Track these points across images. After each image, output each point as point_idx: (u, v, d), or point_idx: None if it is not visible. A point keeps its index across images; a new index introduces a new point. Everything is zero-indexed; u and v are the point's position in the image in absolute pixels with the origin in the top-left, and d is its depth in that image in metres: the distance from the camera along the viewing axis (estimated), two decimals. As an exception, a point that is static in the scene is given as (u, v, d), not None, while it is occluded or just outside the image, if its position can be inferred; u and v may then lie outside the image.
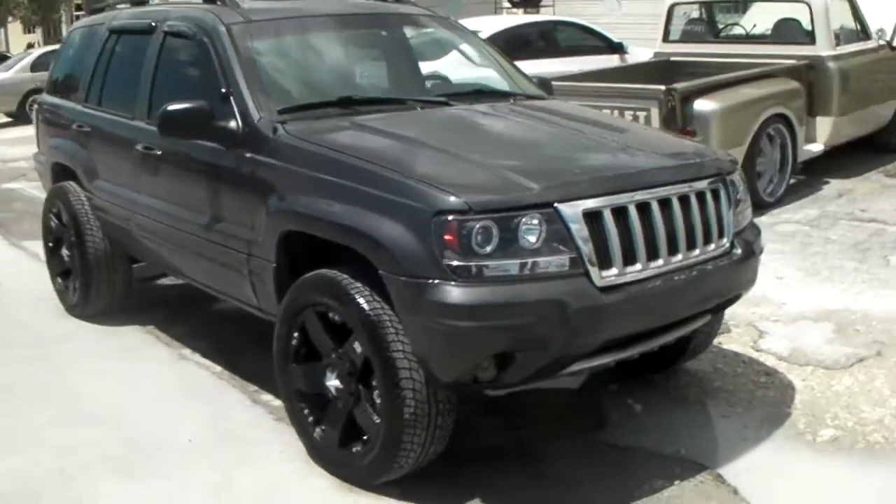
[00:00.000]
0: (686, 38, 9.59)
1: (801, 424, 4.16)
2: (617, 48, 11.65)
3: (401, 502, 3.54)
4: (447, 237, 3.13)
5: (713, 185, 3.79)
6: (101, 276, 5.72)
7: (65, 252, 6.00)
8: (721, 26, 9.82)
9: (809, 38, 8.47)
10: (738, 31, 9.59)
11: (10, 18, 39.29)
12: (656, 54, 9.73)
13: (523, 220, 3.18)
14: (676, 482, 3.66)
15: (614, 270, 3.34)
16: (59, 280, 6.14)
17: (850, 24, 8.90)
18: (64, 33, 48.28)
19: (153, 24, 5.08)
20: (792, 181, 8.22)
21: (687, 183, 3.67)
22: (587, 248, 3.26)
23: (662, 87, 7.14)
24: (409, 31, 5.16)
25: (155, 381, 4.90)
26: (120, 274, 5.78)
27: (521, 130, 4.22)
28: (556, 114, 4.50)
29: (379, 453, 3.45)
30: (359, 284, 3.40)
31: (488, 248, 3.15)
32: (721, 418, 4.33)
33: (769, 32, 9.00)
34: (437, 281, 3.15)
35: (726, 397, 4.50)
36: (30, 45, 40.97)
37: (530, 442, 4.13)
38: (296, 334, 3.74)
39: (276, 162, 3.83)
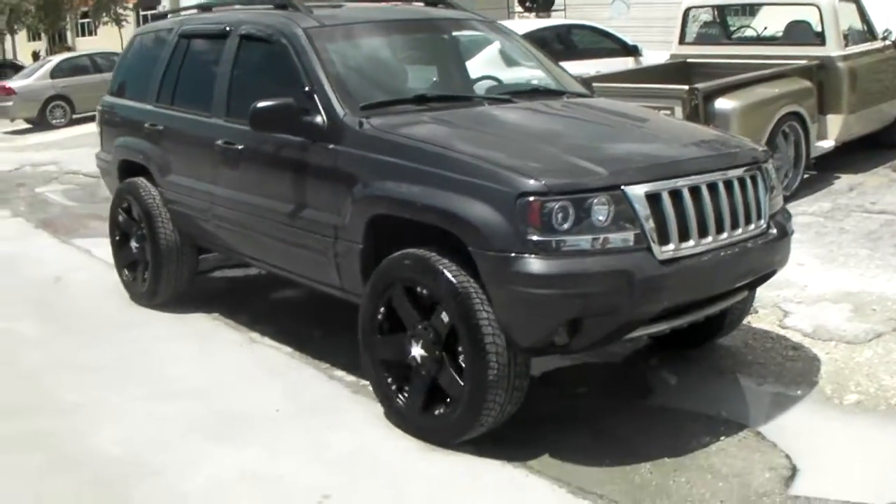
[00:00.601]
0: (701, 40, 10.02)
1: (829, 390, 4.60)
2: (632, 51, 12.07)
3: (478, 458, 3.95)
4: (530, 216, 3.57)
5: (751, 172, 4.24)
6: (171, 266, 6.12)
7: (133, 245, 6.40)
8: (733, 28, 10.26)
9: (820, 39, 8.91)
10: (750, 33, 10.03)
11: (16, 27, 39.65)
12: (673, 56, 10.16)
13: (595, 200, 3.63)
14: (722, 437, 4.10)
15: (672, 246, 3.79)
16: (126, 272, 6.55)
17: (858, 25, 9.35)
18: (69, 41, 48.65)
19: (227, 28, 5.50)
20: (805, 176, 8.66)
21: (730, 170, 4.12)
22: (649, 226, 3.71)
23: (686, 87, 7.58)
24: (463, 34, 5.59)
25: (232, 361, 5.32)
26: (187, 264, 6.20)
27: (580, 124, 4.67)
28: (606, 110, 4.96)
29: (462, 413, 3.88)
30: (446, 261, 3.84)
31: (565, 226, 3.60)
32: (755, 386, 4.79)
33: (781, 34, 9.44)
34: (520, 254, 3.59)
35: (758, 369, 4.95)
36: (35, 54, 41.42)
37: (584, 409, 4.58)
38: (382, 309, 4.17)
39: (363, 153, 4.26)
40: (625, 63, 11.53)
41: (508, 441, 4.06)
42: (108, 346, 5.61)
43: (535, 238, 3.59)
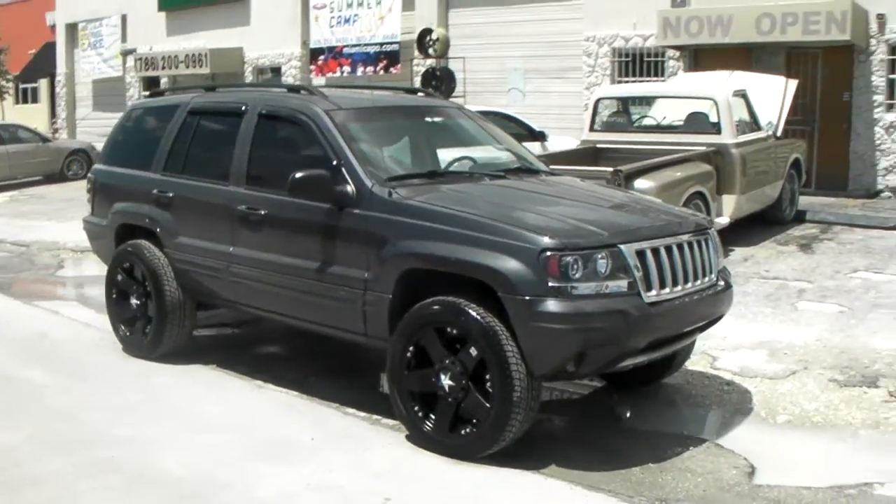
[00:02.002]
0: (609, 128, 11.31)
1: (763, 413, 5.68)
2: (538, 136, 13.23)
3: (500, 468, 4.76)
4: (550, 267, 4.52)
5: (703, 235, 5.31)
6: (175, 320, 6.73)
7: (133, 302, 6.95)
8: (636, 118, 11.61)
9: (716, 128, 10.30)
10: (651, 122, 11.38)
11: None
12: (583, 141, 11.40)
13: (599, 255, 4.61)
14: (690, 448, 5.11)
15: (655, 291, 4.80)
16: (123, 327, 7.07)
17: (746, 117, 10.81)
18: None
19: (243, 107, 6.27)
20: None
21: (688, 234, 5.18)
22: (638, 275, 4.71)
23: (611, 169, 8.73)
24: (449, 119, 6.55)
25: (250, 403, 5.95)
26: (189, 319, 6.83)
27: (567, 196, 5.66)
28: (580, 186, 5.99)
29: (488, 431, 4.72)
30: (474, 305, 4.72)
31: (577, 275, 4.56)
32: (703, 412, 5.84)
33: (681, 123, 10.79)
34: (543, 297, 4.53)
35: (702, 399, 6.01)
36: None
37: (572, 432, 5.50)
38: (411, 348, 4.99)
39: (395, 217, 5.11)
40: (532, 147, 12.66)
41: (519, 456, 4.89)
42: (126, 392, 6.13)
43: (554, 284, 4.53)
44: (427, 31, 18.00)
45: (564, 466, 4.84)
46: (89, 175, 7.91)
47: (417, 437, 5.05)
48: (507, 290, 4.60)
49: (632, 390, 6.06)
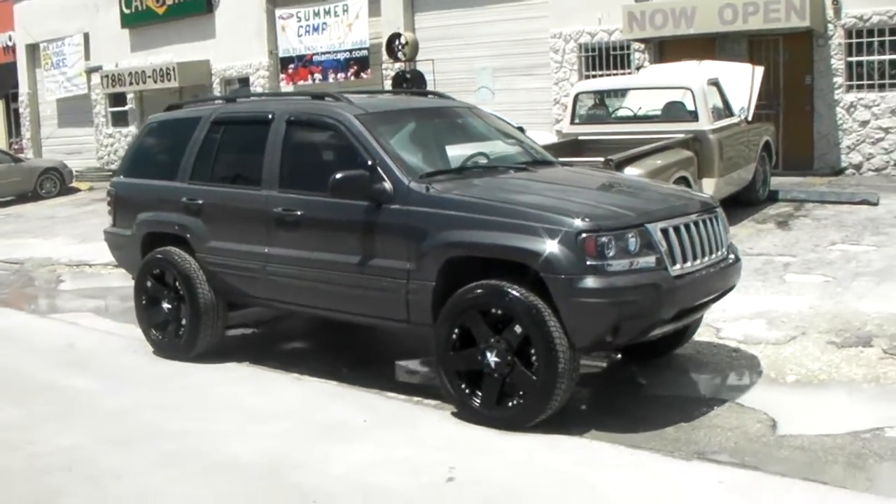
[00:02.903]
0: (589, 120, 11.79)
1: (772, 375, 6.18)
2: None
3: (546, 434, 5.18)
4: (587, 247, 4.96)
5: (712, 214, 5.79)
6: (209, 321, 7.07)
7: (165, 306, 7.28)
8: (613, 109, 12.09)
9: (693, 116, 10.82)
10: (629, 112, 11.87)
11: None
12: (564, 135, 11.87)
13: (629, 234, 5.06)
14: (714, 408, 5.58)
15: (678, 265, 5.26)
16: (154, 331, 7.40)
17: (720, 104, 11.35)
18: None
19: (270, 116, 6.63)
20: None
21: (701, 212, 5.65)
22: (664, 251, 5.16)
23: (602, 158, 9.19)
24: (463, 118, 6.98)
25: (294, 394, 6.29)
26: (221, 319, 7.17)
27: (588, 183, 6.10)
28: (595, 174, 6.45)
29: (535, 401, 5.15)
30: (517, 286, 5.14)
31: (611, 254, 5.01)
32: (718, 376, 6.30)
33: (658, 112, 11.30)
34: (582, 275, 4.97)
35: (714, 366, 6.50)
36: None
37: (600, 401, 5.94)
38: (456, 330, 5.39)
39: (435, 210, 5.51)
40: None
41: (559, 424, 5.31)
42: (171, 391, 6.45)
43: (591, 263, 4.98)
44: (396, 36, 18.38)
45: (603, 430, 5.28)
46: (109, 188, 8.19)
47: (465, 413, 5.45)
48: (548, 271, 5.03)
49: (647, 361, 6.52)
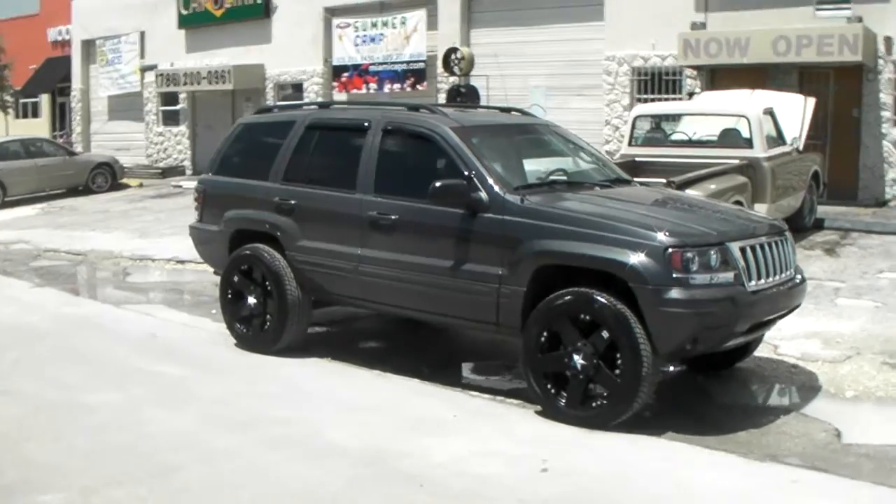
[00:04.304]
0: (646, 142, 12.19)
1: (832, 390, 6.56)
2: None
3: (627, 434, 5.56)
4: (673, 261, 5.39)
5: (782, 236, 6.19)
6: (295, 317, 7.45)
7: (251, 301, 7.62)
8: (670, 133, 12.49)
9: (748, 143, 11.20)
10: (686, 137, 12.25)
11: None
12: (622, 155, 12.27)
13: (711, 251, 5.49)
14: (781, 416, 5.99)
15: (754, 282, 5.67)
16: (238, 325, 7.75)
17: (773, 133, 11.74)
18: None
19: (366, 123, 7.06)
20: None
21: (773, 234, 6.06)
22: (742, 268, 5.57)
23: (664, 180, 9.58)
24: (546, 135, 7.43)
25: (380, 389, 6.64)
26: (306, 316, 7.58)
27: (668, 202, 6.53)
28: (671, 194, 6.87)
29: (618, 402, 5.56)
30: (605, 295, 5.56)
31: (694, 268, 5.43)
32: (780, 389, 6.69)
33: (715, 138, 11.69)
34: (668, 287, 5.39)
35: (774, 380, 6.89)
36: None
37: (672, 405, 6.34)
38: (545, 334, 5.81)
39: (529, 221, 5.94)
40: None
41: (637, 426, 5.69)
42: (264, 382, 6.79)
43: (677, 276, 5.40)
44: (452, 50, 18.87)
45: (680, 433, 5.68)
46: (197, 185, 8.50)
47: (551, 412, 5.85)
48: (637, 281, 5.45)
49: (712, 373, 6.91)
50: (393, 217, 6.69)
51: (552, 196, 6.27)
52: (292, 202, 7.40)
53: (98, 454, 5.31)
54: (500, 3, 19.06)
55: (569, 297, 5.73)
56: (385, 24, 20.56)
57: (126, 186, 23.28)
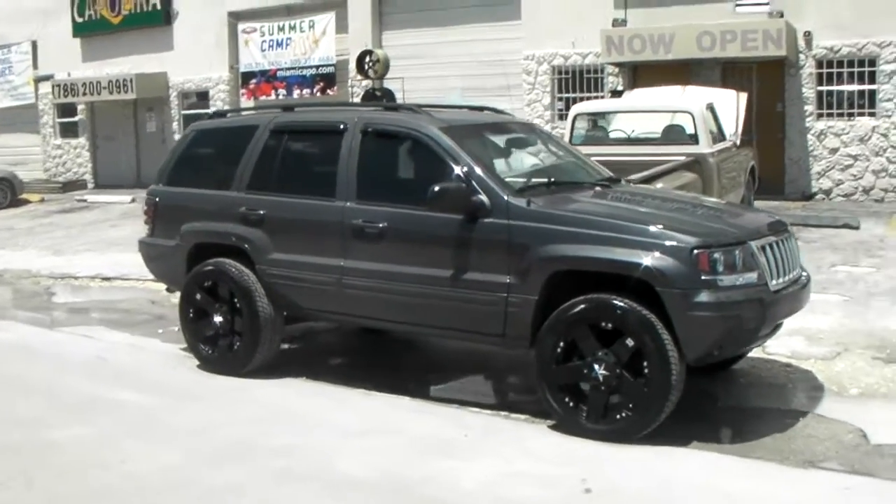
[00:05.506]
0: (587, 141, 12.01)
1: (834, 388, 6.46)
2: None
3: (653, 446, 5.30)
4: (700, 263, 5.15)
5: (788, 233, 6.04)
6: (268, 334, 6.92)
7: (217, 320, 7.06)
8: (610, 131, 12.38)
9: (693, 139, 11.16)
10: (624, 134, 12.15)
11: None
12: (564, 155, 12.08)
13: (736, 251, 5.28)
14: (800, 419, 5.81)
15: (775, 281, 5.49)
16: (203, 345, 7.17)
17: (714, 128, 11.75)
18: None
19: (342, 126, 6.58)
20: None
21: (781, 232, 5.90)
22: (763, 267, 5.38)
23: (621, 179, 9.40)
24: (527, 135, 7.12)
25: (373, 409, 6.21)
26: (279, 334, 7.08)
27: (672, 201, 6.30)
28: (670, 193, 6.65)
29: (644, 413, 5.29)
30: (627, 300, 5.28)
31: (721, 269, 5.21)
32: (782, 390, 6.55)
33: (658, 135, 11.62)
34: (696, 289, 5.15)
35: (774, 380, 6.76)
36: None
37: (685, 412, 6.10)
38: (561, 344, 5.49)
39: (539, 225, 5.60)
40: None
41: (656, 436, 5.43)
42: (243, 406, 6.28)
43: (705, 278, 5.17)
44: (367, 52, 18.43)
45: (704, 441, 5.46)
46: (147, 196, 7.81)
47: (568, 426, 5.54)
48: (664, 285, 5.20)
49: (711, 375, 6.72)
50: (381, 225, 6.26)
51: (557, 198, 5.96)
52: (261, 212, 6.88)
53: (82, 500, 4.79)
54: (412, 4, 18.76)
55: (587, 305, 5.44)
56: (293, 27, 19.99)
57: (27, 202, 22.11)
